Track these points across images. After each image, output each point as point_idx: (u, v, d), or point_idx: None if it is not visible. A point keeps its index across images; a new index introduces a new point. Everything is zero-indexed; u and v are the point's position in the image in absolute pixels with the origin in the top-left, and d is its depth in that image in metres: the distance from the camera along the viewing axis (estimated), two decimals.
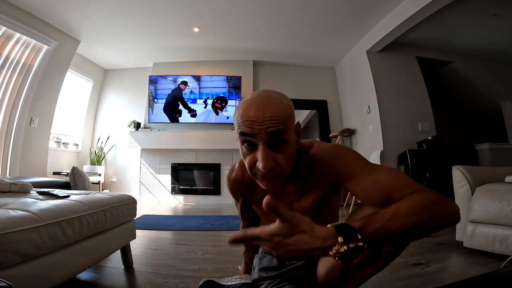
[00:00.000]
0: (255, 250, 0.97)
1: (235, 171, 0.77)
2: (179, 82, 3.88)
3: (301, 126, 0.64)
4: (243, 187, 0.76)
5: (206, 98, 3.87)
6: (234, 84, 3.87)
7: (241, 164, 0.76)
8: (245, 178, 0.74)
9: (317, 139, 0.77)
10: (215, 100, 3.85)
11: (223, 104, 3.85)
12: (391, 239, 0.44)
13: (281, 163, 0.56)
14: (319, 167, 0.65)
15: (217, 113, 3.85)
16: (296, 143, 0.62)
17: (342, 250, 0.40)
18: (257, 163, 0.55)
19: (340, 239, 0.40)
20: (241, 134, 0.55)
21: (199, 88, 3.88)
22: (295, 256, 0.44)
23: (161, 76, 3.91)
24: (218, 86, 3.88)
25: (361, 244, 0.40)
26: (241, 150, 0.59)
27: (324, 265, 0.71)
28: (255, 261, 0.90)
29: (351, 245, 0.40)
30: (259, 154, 0.54)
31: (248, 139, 0.55)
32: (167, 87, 3.89)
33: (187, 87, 3.88)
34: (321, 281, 0.72)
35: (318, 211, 0.71)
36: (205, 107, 3.86)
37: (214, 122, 3.85)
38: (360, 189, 0.58)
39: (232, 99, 3.86)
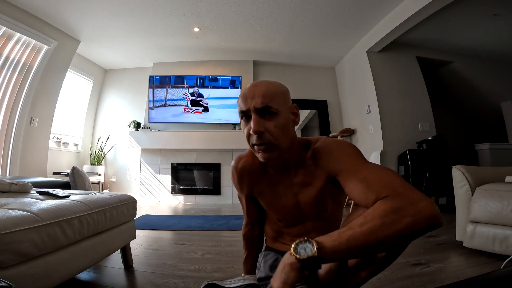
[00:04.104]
0: (256, 259, 0.94)
1: (244, 158, 0.77)
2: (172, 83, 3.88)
3: (298, 108, 0.72)
4: (251, 176, 0.76)
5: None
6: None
7: (251, 152, 0.76)
8: (254, 165, 0.76)
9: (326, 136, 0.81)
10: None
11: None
12: (348, 253, 0.48)
13: (271, 130, 0.63)
14: (320, 159, 0.69)
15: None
16: (293, 122, 0.69)
17: (298, 263, 0.48)
18: (251, 130, 0.63)
19: (294, 253, 0.49)
20: (240, 112, 0.67)
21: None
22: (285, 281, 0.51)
23: (162, 77, 3.91)
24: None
25: (313, 255, 0.47)
26: (241, 126, 0.69)
27: (323, 266, 0.71)
28: (260, 258, 0.89)
29: (305, 257, 0.47)
30: (251, 122, 0.63)
31: (245, 114, 0.65)
32: (167, 93, 3.89)
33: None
34: (322, 281, 0.72)
35: (322, 205, 0.73)
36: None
37: (214, 122, 3.86)
38: (348, 187, 0.61)
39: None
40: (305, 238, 0.49)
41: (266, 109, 0.63)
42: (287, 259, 0.51)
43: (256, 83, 0.67)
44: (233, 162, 0.80)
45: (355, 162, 0.62)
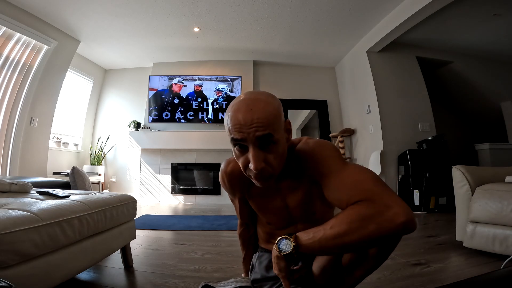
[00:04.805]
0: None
1: (232, 163, 0.75)
2: (173, 82, 3.88)
3: (291, 124, 0.67)
4: (241, 179, 0.75)
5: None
6: None
7: None
8: None
9: (308, 136, 0.78)
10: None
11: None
12: (322, 251, 0.55)
13: (272, 163, 0.59)
14: (301, 163, 0.67)
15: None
16: (287, 140, 0.64)
17: (282, 256, 0.58)
18: (250, 165, 0.58)
19: (276, 248, 0.59)
20: (233, 140, 0.58)
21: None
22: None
23: (161, 76, 3.91)
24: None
25: (291, 252, 0.56)
26: (233, 152, 0.62)
27: (316, 266, 0.72)
28: (254, 259, 0.89)
29: (285, 252, 0.57)
30: (250, 156, 0.57)
31: (240, 143, 0.58)
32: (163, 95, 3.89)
33: (184, 86, 3.88)
34: (317, 282, 0.72)
35: (310, 207, 0.72)
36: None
37: (214, 122, 3.87)
38: (326, 193, 0.61)
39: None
40: (286, 236, 0.58)
41: (266, 140, 0.56)
42: (274, 252, 0.60)
43: (250, 104, 0.56)
44: (222, 166, 0.78)
45: (333, 166, 0.61)
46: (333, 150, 0.64)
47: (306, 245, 0.55)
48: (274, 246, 0.59)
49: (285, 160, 0.66)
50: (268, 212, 0.78)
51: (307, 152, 0.66)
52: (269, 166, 0.58)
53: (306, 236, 0.55)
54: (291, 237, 0.57)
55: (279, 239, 0.59)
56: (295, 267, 0.66)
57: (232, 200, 0.88)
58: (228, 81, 3.90)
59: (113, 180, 4.16)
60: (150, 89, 3.87)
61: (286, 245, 0.57)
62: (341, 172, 0.59)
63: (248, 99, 0.58)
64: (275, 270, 0.62)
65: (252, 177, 0.61)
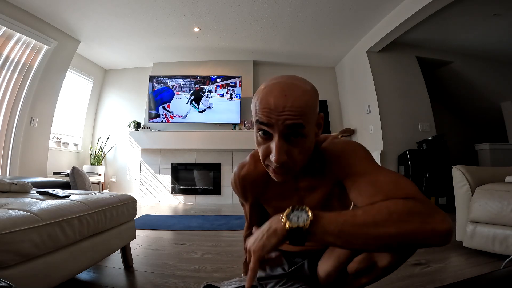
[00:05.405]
0: None
1: (247, 166, 0.72)
2: (173, 82, 3.89)
3: (324, 118, 0.60)
4: (255, 183, 0.71)
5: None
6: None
7: (253, 157, 0.71)
8: (258, 173, 0.69)
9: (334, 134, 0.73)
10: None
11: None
12: (339, 237, 0.43)
13: (295, 158, 0.53)
14: (327, 161, 0.63)
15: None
16: (316, 136, 0.59)
17: (285, 230, 0.44)
18: (270, 155, 0.52)
19: (285, 218, 0.45)
20: (258, 122, 0.52)
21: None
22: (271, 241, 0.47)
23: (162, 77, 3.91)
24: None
25: (303, 226, 0.42)
26: (255, 138, 0.57)
27: (322, 269, 0.71)
28: None
29: (294, 226, 0.43)
30: (273, 146, 0.51)
31: (264, 128, 0.52)
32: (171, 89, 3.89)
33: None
34: (321, 283, 0.72)
35: (328, 209, 0.69)
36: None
37: (214, 122, 3.86)
38: (355, 192, 0.55)
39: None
40: (304, 206, 0.46)
41: (295, 132, 0.51)
42: (275, 222, 0.47)
43: (285, 88, 0.50)
44: (235, 170, 0.75)
45: (367, 166, 0.56)
46: (366, 152, 0.60)
47: (324, 225, 0.43)
48: (282, 214, 0.46)
49: (309, 156, 0.61)
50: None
51: (335, 152, 0.61)
52: (291, 161, 0.53)
53: (327, 215, 0.45)
54: (307, 210, 0.45)
55: (293, 207, 0.46)
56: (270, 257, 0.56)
57: (242, 204, 0.86)
58: (234, 79, 3.90)
59: (113, 180, 4.16)
60: (152, 89, 3.87)
61: (300, 218, 0.44)
62: (375, 173, 0.53)
63: (283, 83, 0.52)
64: (251, 245, 0.49)
65: (271, 169, 0.56)
